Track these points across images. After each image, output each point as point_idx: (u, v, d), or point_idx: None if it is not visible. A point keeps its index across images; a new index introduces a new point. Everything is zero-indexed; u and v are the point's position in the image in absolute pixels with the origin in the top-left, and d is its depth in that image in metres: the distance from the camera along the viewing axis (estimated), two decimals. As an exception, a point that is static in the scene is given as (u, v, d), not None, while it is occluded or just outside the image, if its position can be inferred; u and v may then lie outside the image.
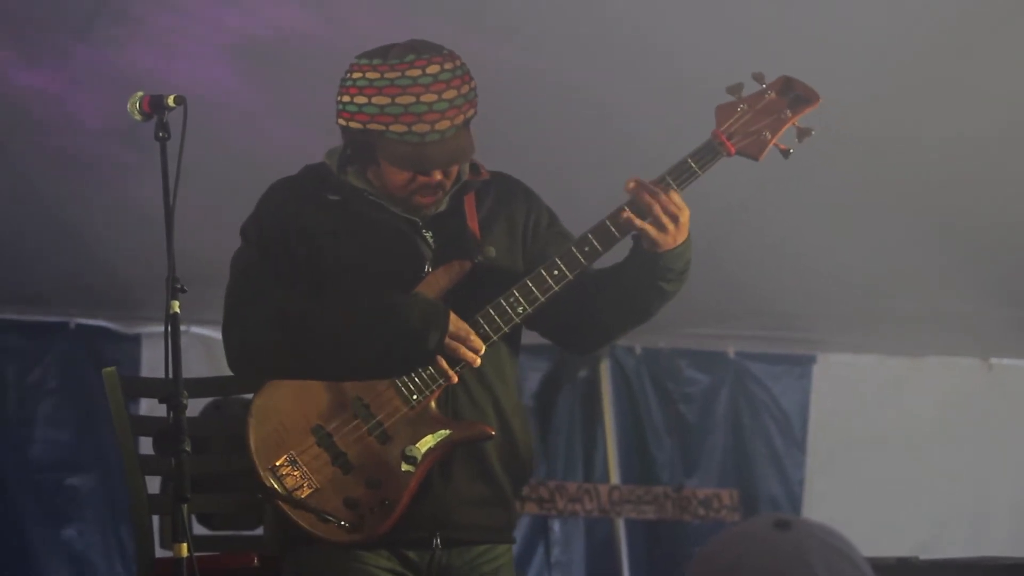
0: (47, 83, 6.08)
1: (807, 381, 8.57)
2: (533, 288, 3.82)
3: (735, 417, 8.48)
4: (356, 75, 3.83)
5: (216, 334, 7.39)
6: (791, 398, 8.56)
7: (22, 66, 6.00)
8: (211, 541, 5.20)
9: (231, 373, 4.04)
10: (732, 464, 8.49)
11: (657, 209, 3.75)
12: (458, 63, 3.82)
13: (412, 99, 3.76)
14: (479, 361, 3.82)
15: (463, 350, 3.80)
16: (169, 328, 3.76)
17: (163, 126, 3.89)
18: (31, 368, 7.40)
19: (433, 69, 3.78)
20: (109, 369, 4.79)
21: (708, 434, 8.47)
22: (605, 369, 8.32)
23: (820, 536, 2.04)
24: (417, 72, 3.77)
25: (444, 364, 3.80)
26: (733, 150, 3.87)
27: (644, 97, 6.31)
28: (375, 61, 3.81)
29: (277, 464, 3.81)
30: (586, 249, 3.83)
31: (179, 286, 3.80)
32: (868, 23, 6.09)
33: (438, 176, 3.85)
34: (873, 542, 3.29)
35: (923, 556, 4.88)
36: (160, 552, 4.76)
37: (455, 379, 3.82)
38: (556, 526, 8.23)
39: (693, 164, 3.83)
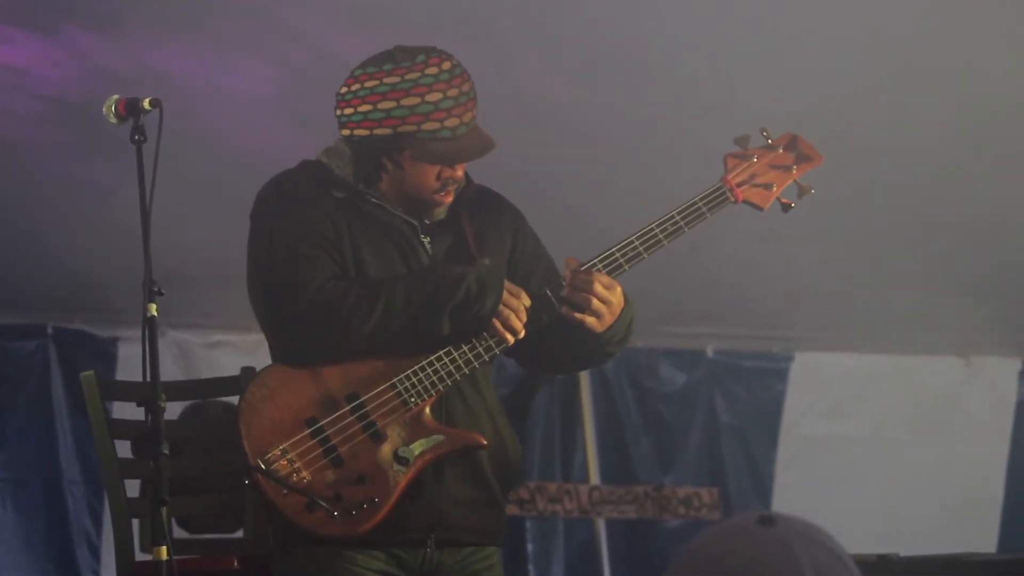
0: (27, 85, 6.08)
1: (785, 380, 8.58)
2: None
3: (713, 416, 8.49)
4: (371, 83, 3.88)
5: (191, 337, 7.52)
6: (769, 396, 8.56)
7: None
8: (190, 544, 5.18)
9: (208, 376, 4.03)
10: (710, 463, 8.50)
11: (594, 301, 3.90)
12: (456, 60, 3.92)
13: (439, 95, 3.85)
14: (523, 332, 3.88)
15: (513, 318, 3.86)
16: (147, 331, 3.75)
17: (139, 129, 3.88)
18: (6, 371, 7.38)
19: (446, 66, 3.89)
20: (87, 373, 4.79)
21: (686, 433, 8.47)
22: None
23: (805, 532, 2.04)
24: (434, 70, 3.87)
25: (500, 328, 3.85)
26: (741, 197, 4.06)
27: (627, 102, 6.32)
28: (386, 67, 3.88)
29: (268, 454, 3.80)
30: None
31: (156, 289, 3.79)
32: (847, 19, 6.09)
33: (459, 171, 3.93)
34: (851, 540, 3.29)
35: (903, 553, 4.89)
36: (140, 556, 4.75)
37: (512, 341, 3.87)
38: (536, 527, 8.23)
39: (703, 207, 4.00)
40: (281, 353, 3.91)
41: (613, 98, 6.33)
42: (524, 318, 3.88)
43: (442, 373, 3.86)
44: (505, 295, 3.86)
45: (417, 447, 3.84)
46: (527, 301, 3.89)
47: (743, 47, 6.02)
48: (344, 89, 3.93)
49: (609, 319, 3.93)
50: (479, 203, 4.07)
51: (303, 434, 3.81)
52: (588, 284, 3.90)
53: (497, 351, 3.91)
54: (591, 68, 6.21)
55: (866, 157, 6.76)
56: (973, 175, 7.02)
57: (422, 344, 3.85)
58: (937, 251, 7.56)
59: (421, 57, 3.88)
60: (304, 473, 3.79)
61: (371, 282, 3.85)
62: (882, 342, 8.52)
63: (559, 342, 4.00)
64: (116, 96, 3.92)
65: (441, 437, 3.86)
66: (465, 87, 3.88)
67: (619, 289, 3.94)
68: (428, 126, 3.85)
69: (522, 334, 3.88)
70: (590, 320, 3.91)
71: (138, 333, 3.80)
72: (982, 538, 8.36)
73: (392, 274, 3.89)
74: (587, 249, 3.99)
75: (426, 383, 3.85)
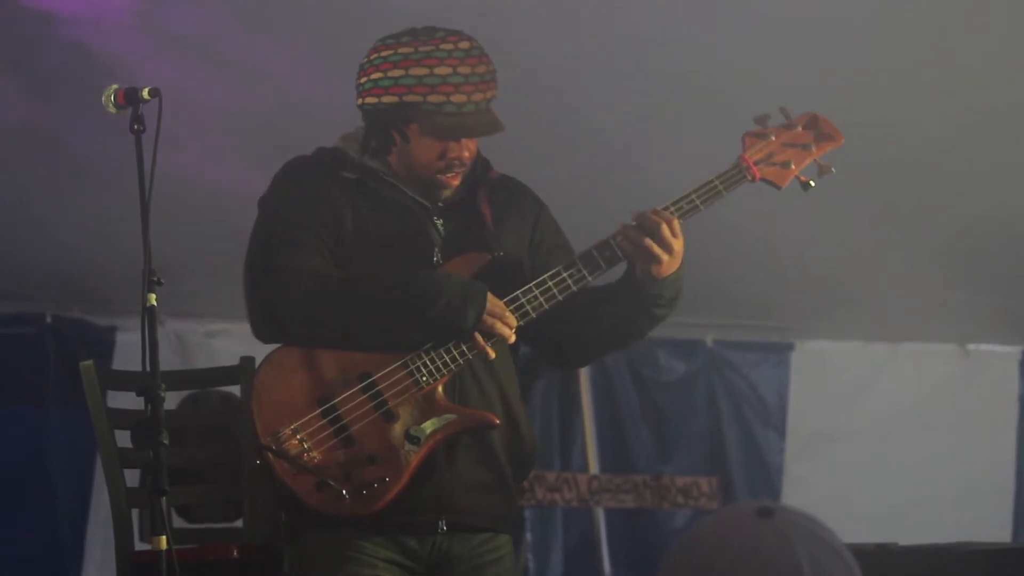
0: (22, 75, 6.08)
1: (785, 369, 8.58)
2: (567, 278, 3.91)
3: (713, 405, 8.49)
4: (387, 52, 3.93)
5: (190, 326, 7.51)
6: (769, 386, 8.57)
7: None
8: (190, 534, 5.19)
9: (205, 366, 4.02)
10: (710, 452, 8.50)
11: (652, 240, 3.87)
12: (478, 43, 3.94)
13: (449, 70, 3.88)
14: (513, 337, 3.87)
15: (499, 325, 3.84)
16: (146, 321, 3.75)
17: (138, 118, 3.88)
18: (3, 358, 7.37)
19: (464, 44, 3.92)
20: (87, 363, 4.78)
21: (686, 422, 8.48)
22: (583, 358, 8.31)
23: (802, 524, 2.04)
24: (450, 46, 3.91)
25: (481, 340, 3.84)
26: (759, 176, 4.04)
27: (618, 91, 6.31)
28: (404, 39, 3.94)
29: (279, 433, 3.80)
30: (597, 256, 3.92)
31: (156, 279, 3.79)
32: (841, 13, 6.10)
33: (466, 152, 3.94)
34: (851, 528, 3.29)
35: (902, 542, 4.89)
36: (140, 545, 4.75)
37: (493, 354, 3.86)
38: (535, 516, 8.23)
39: (719, 185, 3.98)
40: (260, 334, 3.90)
41: (611, 95, 6.33)
42: (512, 322, 3.86)
43: (454, 352, 3.86)
44: (488, 304, 3.84)
45: (429, 426, 3.84)
46: (512, 319, 3.86)
47: (742, 33, 6.02)
48: (364, 59, 3.98)
49: (666, 266, 3.90)
50: (500, 188, 4.08)
51: (314, 413, 3.82)
52: (657, 224, 3.87)
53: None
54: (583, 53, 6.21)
55: (863, 149, 6.75)
56: (968, 165, 7.01)
57: (393, 347, 3.85)
58: (931, 240, 7.56)
59: (440, 34, 3.94)
60: (315, 452, 3.79)
61: (354, 277, 3.85)
62: (880, 331, 8.52)
63: (601, 307, 3.98)
64: (115, 86, 3.93)
65: (453, 416, 3.86)
66: (480, 68, 3.91)
67: (682, 243, 3.92)
68: (433, 98, 3.87)
69: (512, 339, 3.86)
70: (648, 256, 3.87)
71: (136, 322, 3.79)
72: (996, 528, 8.36)
73: (380, 272, 3.87)
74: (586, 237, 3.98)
75: (438, 362, 3.85)
